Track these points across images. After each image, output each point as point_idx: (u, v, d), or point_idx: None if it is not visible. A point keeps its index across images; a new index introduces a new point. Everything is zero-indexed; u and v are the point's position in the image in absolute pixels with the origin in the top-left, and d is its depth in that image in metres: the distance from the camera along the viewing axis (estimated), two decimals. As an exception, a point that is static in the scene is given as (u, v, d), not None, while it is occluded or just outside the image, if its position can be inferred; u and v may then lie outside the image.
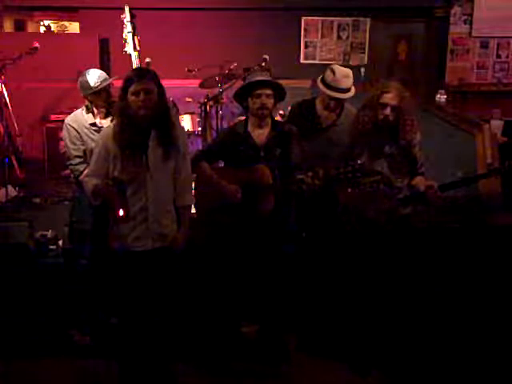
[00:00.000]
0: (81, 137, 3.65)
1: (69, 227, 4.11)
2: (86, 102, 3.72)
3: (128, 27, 4.31)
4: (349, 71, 3.85)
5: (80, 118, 3.70)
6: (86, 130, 3.66)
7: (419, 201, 3.39)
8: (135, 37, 4.31)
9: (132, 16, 4.33)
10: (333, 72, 3.78)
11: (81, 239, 3.78)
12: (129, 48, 4.30)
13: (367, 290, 3.44)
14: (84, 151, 3.64)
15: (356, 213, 3.47)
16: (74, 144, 3.65)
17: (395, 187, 3.39)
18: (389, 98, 3.28)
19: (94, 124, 3.69)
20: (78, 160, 3.65)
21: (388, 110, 3.28)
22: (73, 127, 3.66)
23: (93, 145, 3.48)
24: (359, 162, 3.14)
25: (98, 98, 3.66)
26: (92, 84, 3.63)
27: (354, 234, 3.47)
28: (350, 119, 3.65)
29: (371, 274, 3.41)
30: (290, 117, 4.15)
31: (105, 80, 3.68)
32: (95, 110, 3.70)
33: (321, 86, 3.82)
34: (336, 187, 3.41)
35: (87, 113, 3.71)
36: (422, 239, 3.90)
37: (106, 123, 3.64)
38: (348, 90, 3.81)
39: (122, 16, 4.32)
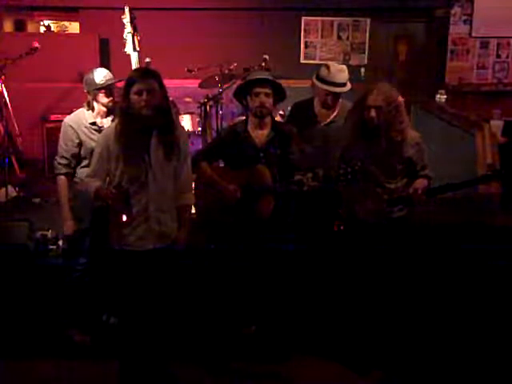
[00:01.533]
0: (78, 136, 3.63)
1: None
2: (88, 98, 3.72)
3: (128, 28, 4.32)
4: (343, 66, 3.88)
5: (80, 116, 3.70)
6: (85, 130, 3.66)
7: (405, 203, 3.39)
8: (135, 37, 4.32)
9: (133, 17, 4.33)
10: (327, 68, 3.81)
11: (80, 238, 3.77)
12: (128, 48, 4.31)
13: (366, 289, 3.44)
14: (73, 155, 3.64)
15: (347, 213, 3.50)
16: (66, 145, 3.65)
17: (386, 188, 3.39)
18: (372, 99, 3.25)
19: (93, 123, 3.68)
20: (64, 161, 3.64)
21: (373, 112, 3.25)
22: (71, 127, 3.65)
23: (93, 144, 3.48)
24: (359, 163, 3.14)
25: (100, 96, 3.66)
26: (97, 81, 3.64)
27: (347, 234, 3.48)
28: (346, 114, 3.65)
29: (369, 274, 3.41)
30: (289, 117, 4.16)
31: (110, 79, 3.69)
32: (96, 108, 3.70)
33: (316, 82, 3.83)
34: (340, 187, 3.42)
35: (88, 110, 3.70)
36: (420, 238, 3.90)
37: (107, 123, 3.64)
38: (344, 84, 3.82)
39: (122, 17, 4.33)
